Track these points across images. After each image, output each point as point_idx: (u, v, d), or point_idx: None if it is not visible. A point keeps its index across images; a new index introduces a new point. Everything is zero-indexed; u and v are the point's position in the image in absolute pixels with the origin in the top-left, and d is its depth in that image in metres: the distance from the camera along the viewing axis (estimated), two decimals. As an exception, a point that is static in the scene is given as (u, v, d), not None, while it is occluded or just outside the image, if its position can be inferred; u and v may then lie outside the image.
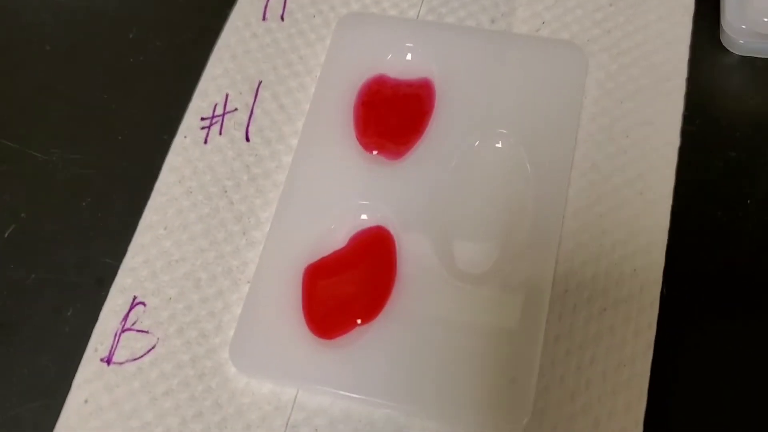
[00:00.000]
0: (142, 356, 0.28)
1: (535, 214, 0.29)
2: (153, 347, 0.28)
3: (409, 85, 0.32)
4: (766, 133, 0.31)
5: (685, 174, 0.30)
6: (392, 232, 0.29)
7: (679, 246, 0.29)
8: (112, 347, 0.28)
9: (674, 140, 0.31)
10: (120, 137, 0.32)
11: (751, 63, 0.32)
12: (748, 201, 0.30)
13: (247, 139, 0.31)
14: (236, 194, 0.30)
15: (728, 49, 0.33)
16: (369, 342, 0.27)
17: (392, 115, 0.31)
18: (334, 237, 0.29)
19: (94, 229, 0.31)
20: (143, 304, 0.29)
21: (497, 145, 0.30)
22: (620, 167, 0.30)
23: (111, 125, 0.33)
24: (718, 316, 0.28)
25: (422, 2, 0.34)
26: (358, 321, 0.28)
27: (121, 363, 0.28)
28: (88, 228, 0.31)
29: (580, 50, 0.32)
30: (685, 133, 0.31)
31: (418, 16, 0.33)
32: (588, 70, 0.32)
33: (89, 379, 0.28)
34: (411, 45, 0.32)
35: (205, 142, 0.31)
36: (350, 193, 0.30)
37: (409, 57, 0.32)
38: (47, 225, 0.31)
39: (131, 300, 0.29)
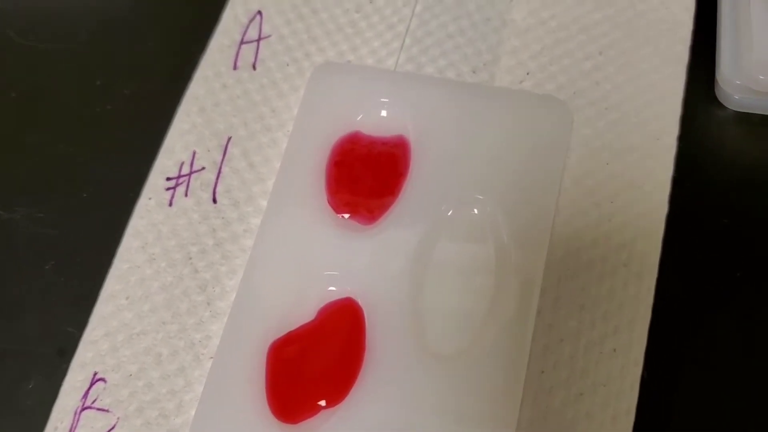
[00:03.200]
0: (103, 437, 0.27)
1: (512, 287, 0.28)
2: (113, 427, 0.27)
3: (384, 143, 0.30)
4: (760, 197, 0.30)
5: (673, 244, 0.29)
6: (362, 305, 0.28)
7: (664, 324, 0.28)
8: (72, 426, 0.27)
9: (662, 206, 0.29)
10: (86, 194, 0.31)
11: (746, 119, 0.31)
12: (738, 274, 0.28)
13: (214, 201, 0.30)
14: (201, 261, 0.29)
15: (723, 104, 0.31)
16: (334, 427, 0.26)
17: (366, 175, 0.30)
18: (303, 308, 0.28)
19: (57, 295, 0.30)
20: (103, 380, 0.28)
21: (474, 211, 0.29)
22: (603, 236, 0.29)
23: (77, 181, 0.31)
24: (701, 400, 0.27)
25: (401, 50, 0.32)
26: (322, 403, 0.27)
27: (83, 443, 0.27)
28: (51, 293, 0.30)
29: (564, 105, 0.30)
30: (674, 198, 0.29)
31: (396, 65, 0.32)
32: (573, 126, 0.30)
33: (51, 456, 0.27)
34: (386, 100, 0.30)
35: (170, 204, 0.30)
36: (320, 262, 0.29)
37: (384, 113, 0.31)
38: (9, 288, 0.30)
39: (92, 376, 0.28)
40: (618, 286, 0.28)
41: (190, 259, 0.29)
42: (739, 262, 0.29)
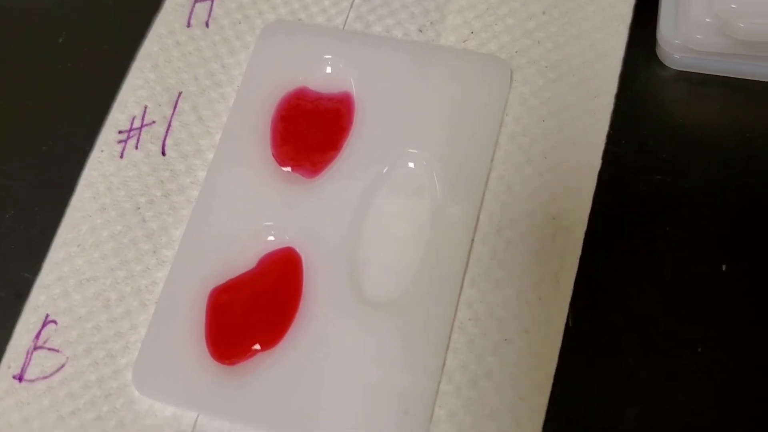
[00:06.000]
0: (51, 375, 0.29)
1: (443, 239, 0.29)
2: (62, 366, 0.29)
3: (330, 99, 0.31)
4: (695, 154, 0.30)
5: (604, 199, 0.29)
6: (302, 254, 0.29)
7: (590, 276, 0.29)
8: (24, 365, 0.29)
9: (595, 162, 0.30)
10: (44, 148, 0.32)
11: (687, 78, 0.31)
12: (667, 228, 0.29)
13: (164, 154, 0.31)
14: (149, 211, 0.30)
15: (664, 63, 0.31)
16: (269, 369, 0.28)
17: (310, 130, 0.31)
18: (244, 258, 0.29)
19: (16, 243, 0.31)
20: (55, 322, 0.29)
21: (410, 165, 0.30)
22: (535, 190, 0.29)
23: (37, 135, 0.33)
24: (623, 351, 0.28)
25: (350, 9, 0.33)
26: (256, 347, 0.28)
27: (32, 381, 0.29)
28: (9, 241, 0.31)
29: (504, 64, 0.31)
30: (608, 155, 0.30)
31: (345, 23, 0.33)
32: (512, 85, 0.31)
33: (1, 396, 0.29)
34: (330, 57, 0.31)
35: (121, 156, 0.31)
36: (262, 213, 0.30)
37: (329, 70, 0.31)
38: (-29, 236, 0.32)
39: (44, 318, 0.29)
40: (547, 239, 0.29)
41: (139, 209, 0.31)
42: (669, 218, 0.29)
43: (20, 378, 0.29)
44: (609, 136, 0.30)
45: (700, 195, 0.29)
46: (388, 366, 0.27)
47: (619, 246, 0.29)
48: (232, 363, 0.28)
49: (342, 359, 0.28)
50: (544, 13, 0.32)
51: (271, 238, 0.29)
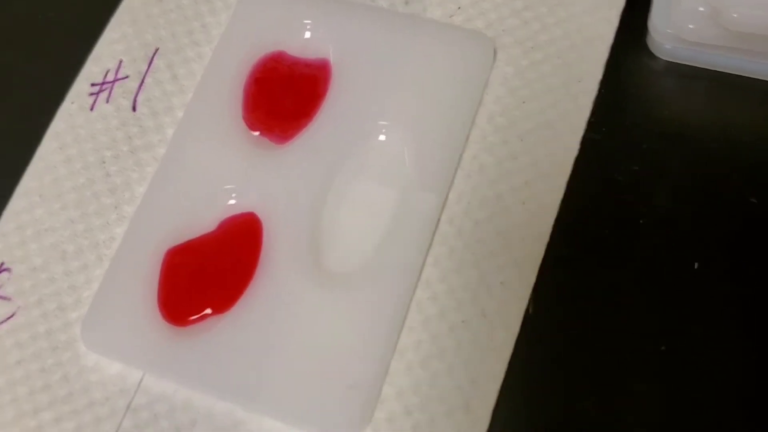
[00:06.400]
0: (0, 323, 0.28)
1: (409, 215, 0.28)
2: (12, 315, 0.28)
3: (307, 65, 0.31)
4: (676, 146, 0.29)
5: (578, 186, 0.28)
6: (263, 220, 0.28)
7: (555, 264, 0.28)
8: (-27, 311, 0.29)
9: (573, 148, 0.29)
10: (16, 97, 0.32)
11: (676, 70, 0.30)
12: (641, 221, 0.28)
13: (134, 109, 0.31)
14: (114, 166, 0.30)
15: (654, 53, 0.30)
16: (219, 333, 0.27)
17: (284, 95, 0.30)
18: (205, 219, 0.29)
19: (-21, 189, 0.31)
20: (9, 270, 0.29)
21: (381, 138, 0.29)
22: (507, 173, 0.29)
23: (10, 84, 0.32)
24: (585, 338, 0.27)
25: (337, -24, 0.32)
26: (208, 311, 0.27)
27: (-21, 327, 0.28)
28: (-27, 187, 0.31)
29: (487, 42, 0.30)
30: (586, 142, 0.29)
31: (330, -10, 0.32)
32: (496, 64, 0.30)
33: (-52, 341, 0.28)
34: (309, 22, 0.31)
35: (92, 109, 0.31)
36: (226, 176, 0.29)
37: (308, 35, 0.31)
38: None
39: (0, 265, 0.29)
40: (515, 223, 0.28)
41: (104, 163, 0.30)
42: (642, 211, 0.28)
43: (-31, 324, 0.28)
44: (589, 123, 0.29)
45: (677, 190, 0.28)
46: (340, 339, 0.27)
47: (589, 236, 0.28)
48: (183, 325, 0.27)
49: (293, 329, 0.27)
50: (534, -8, 0.31)
51: (232, 201, 0.29)
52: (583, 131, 0.29)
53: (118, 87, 0.31)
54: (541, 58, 0.30)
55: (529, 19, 0.31)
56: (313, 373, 0.26)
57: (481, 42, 0.30)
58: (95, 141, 0.30)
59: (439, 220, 0.28)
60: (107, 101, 0.31)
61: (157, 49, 0.31)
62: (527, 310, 0.27)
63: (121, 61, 0.31)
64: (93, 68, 0.31)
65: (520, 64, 0.30)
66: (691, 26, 0.29)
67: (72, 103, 0.31)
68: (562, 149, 0.29)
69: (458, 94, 0.29)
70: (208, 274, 0.28)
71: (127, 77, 0.31)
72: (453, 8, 0.31)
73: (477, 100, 0.30)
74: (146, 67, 0.31)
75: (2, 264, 0.29)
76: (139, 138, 0.30)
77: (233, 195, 0.29)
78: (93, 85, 0.31)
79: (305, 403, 0.26)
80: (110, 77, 0.31)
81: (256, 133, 0.29)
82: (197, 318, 0.27)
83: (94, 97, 0.31)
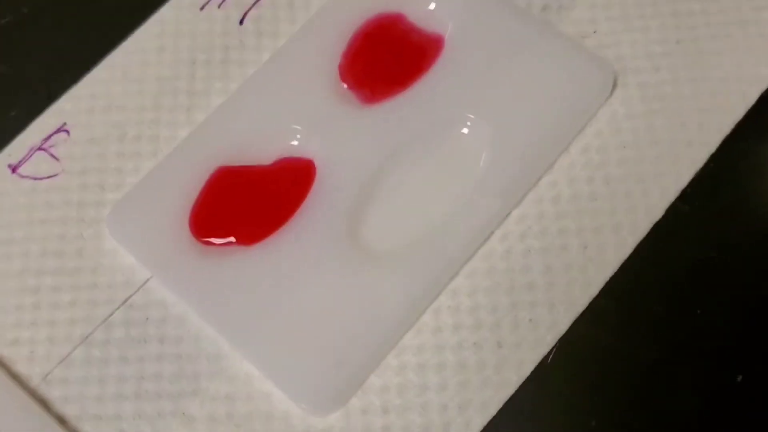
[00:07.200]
0: (41, 179, 0.28)
1: (462, 219, 0.26)
2: (55, 175, 0.28)
3: (421, 35, 0.29)
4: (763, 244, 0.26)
5: (647, 253, 0.26)
6: (319, 172, 0.27)
7: (592, 321, 0.26)
8: (23, 159, 0.29)
9: (656, 212, 0.27)
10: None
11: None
12: (698, 311, 0.26)
13: (241, 23, 0.30)
14: (202, 70, 0.29)
15: (781, 143, 0.28)
16: (235, 265, 0.26)
17: (388, 58, 0.29)
18: (263, 152, 0.28)
19: (69, 50, 0.31)
20: (67, 132, 0.29)
21: (463, 130, 0.28)
22: (580, 211, 0.27)
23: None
24: (588, 409, 0.25)
25: (485, -41, 0.31)
26: (232, 239, 0.27)
27: (22, 176, 0.28)
28: (65, 41, 0.31)
29: (610, 74, 0.28)
30: (673, 210, 0.27)
31: (473, -29, 0.30)
32: (610, 100, 0.28)
33: (-9, 179, 0.29)
34: (439, -5, 0.29)
35: (202, 8, 0.30)
36: (298, 115, 0.28)
37: (432, 6, 0.29)
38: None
39: (61, 125, 0.29)
40: (566, 265, 0.26)
41: (194, 64, 0.30)
42: (702, 302, 0.26)
43: (14, 169, 0.29)
44: (684, 192, 0.27)
45: (741, 297, 0.26)
46: (347, 313, 0.25)
47: (638, 308, 0.26)
48: (205, 243, 0.27)
49: (306, 287, 0.26)
50: (678, 42, 0.29)
51: (294, 142, 0.28)
52: (674, 198, 0.27)
53: (233, -4, 0.30)
54: (658, 109, 0.28)
55: (662, 66, 0.28)
56: (308, 336, 0.25)
57: (603, 72, 0.28)
58: (194, 40, 0.30)
59: (491, 233, 0.27)
60: (219, 6, 0.30)
61: (283, -27, 0.31)
62: (546, 358, 0.25)
63: (245, -27, 0.31)
64: (217, -29, 0.31)
65: (635, 107, 0.28)
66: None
67: (187, -4, 0.30)
68: (645, 209, 0.27)
69: (561, 115, 0.28)
70: (246, 204, 0.27)
71: (245, -10, 0.30)
72: (588, 30, 0.29)
73: (578, 129, 0.28)
74: (267, -13, 0.30)
75: (64, 124, 0.29)
76: (235, 52, 0.30)
77: (298, 136, 0.28)
78: (211, -14, 0.31)
79: (288, 362, 0.25)
80: (230, -15, 0.31)
81: (345, 86, 0.28)
82: (221, 242, 0.27)
83: (208, -2, 0.30)
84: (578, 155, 0.27)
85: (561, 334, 0.25)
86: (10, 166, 0.29)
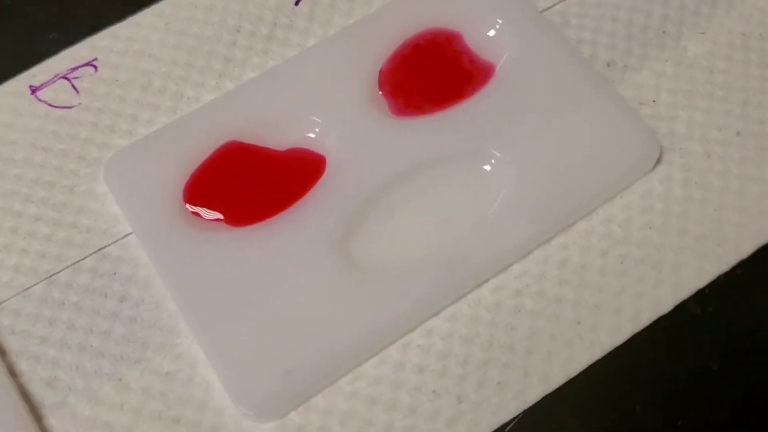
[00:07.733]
0: (57, 107, 0.28)
1: (461, 257, 0.25)
2: (70, 107, 0.28)
3: (473, 61, 0.28)
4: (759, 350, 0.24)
5: (642, 345, 0.24)
6: (327, 172, 0.26)
7: (561, 404, 0.24)
8: (46, 82, 0.28)
9: (664, 306, 0.24)
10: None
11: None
12: (680, 422, 0.24)
13: (297, 3, 0.29)
14: (245, 40, 0.28)
15: (821, 269, 0.25)
16: (217, 244, 0.25)
17: (433, 75, 0.28)
18: (280, 138, 0.27)
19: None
20: (95, 68, 0.28)
21: (485, 167, 0.26)
22: (584, 284, 0.25)
23: None
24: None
25: (561, -1, 0.29)
26: (220, 215, 0.26)
27: (40, 100, 0.28)
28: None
29: (656, 149, 0.26)
30: (682, 308, 0.25)
31: (548, 8, 0.29)
32: (650, 174, 0.26)
33: (8, 92, 0.28)
34: (501, 23, 0.28)
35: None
36: (322, 108, 0.27)
37: (491, 33, 0.28)
38: None
39: (91, 59, 0.28)
40: (552, 335, 0.24)
41: (238, 31, 0.29)
42: (696, 411, 0.24)
43: (34, 91, 0.28)
44: (699, 293, 0.25)
45: (735, 413, 0.24)
46: (311, 323, 0.24)
47: (617, 402, 0.24)
48: (194, 213, 0.26)
49: (280, 285, 0.24)
50: (738, 134, 0.27)
51: (311, 135, 0.27)
52: (688, 296, 0.25)
53: (297, -26, 0.29)
54: (698, 198, 0.26)
55: (714, 154, 0.26)
56: (267, 336, 0.24)
57: (649, 145, 0.26)
58: (244, 8, 0.29)
59: (486, 281, 0.25)
60: (279, -19, 0.29)
61: (352, -37, 0.30)
62: (504, 427, 0.23)
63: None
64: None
65: (674, 190, 0.26)
66: None
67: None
68: (653, 299, 0.25)
69: (592, 178, 0.26)
70: (246, 183, 0.26)
71: (308, -30, 0.29)
72: (648, 97, 0.27)
73: (606, 197, 0.26)
74: (331, -27, 0.29)
75: (95, 59, 0.28)
76: (282, 31, 0.29)
77: (316, 129, 0.27)
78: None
79: (238, 357, 0.24)
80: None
81: (380, 92, 0.27)
82: (209, 217, 0.26)
83: (269, -32, 0.29)
84: (599, 224, 0.26)
85: (527, 406, 0.23)
86: (31, 87, 0.28)
